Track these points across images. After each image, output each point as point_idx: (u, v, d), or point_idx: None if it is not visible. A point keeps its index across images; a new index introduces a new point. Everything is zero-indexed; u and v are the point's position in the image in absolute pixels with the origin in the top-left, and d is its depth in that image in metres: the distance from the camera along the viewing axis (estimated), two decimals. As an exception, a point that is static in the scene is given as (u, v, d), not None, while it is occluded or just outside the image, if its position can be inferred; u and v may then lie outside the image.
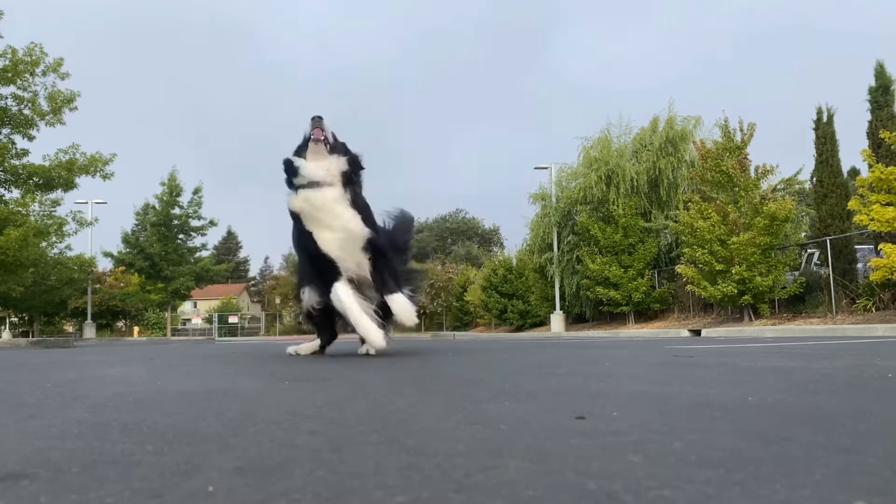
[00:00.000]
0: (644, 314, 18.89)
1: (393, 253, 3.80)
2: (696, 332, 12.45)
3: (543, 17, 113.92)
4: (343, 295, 3.47)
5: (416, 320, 3.81)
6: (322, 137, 3.58)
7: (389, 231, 4.07)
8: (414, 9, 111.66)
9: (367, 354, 3.89)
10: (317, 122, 3.60)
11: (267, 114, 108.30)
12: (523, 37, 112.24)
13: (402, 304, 3.54)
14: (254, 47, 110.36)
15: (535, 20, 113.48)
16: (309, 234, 3.58)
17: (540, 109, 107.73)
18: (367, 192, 3.78)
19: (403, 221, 4.35)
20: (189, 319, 52.98)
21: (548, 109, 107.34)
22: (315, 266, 3.72)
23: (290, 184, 3.64)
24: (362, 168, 3.72)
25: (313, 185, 3.53)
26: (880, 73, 14.66)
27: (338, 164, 3.57)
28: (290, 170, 3.60)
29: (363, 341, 3.94)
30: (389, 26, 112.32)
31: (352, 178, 3.59)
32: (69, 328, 35.32)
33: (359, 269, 3.63)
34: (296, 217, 3.65)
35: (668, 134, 19.41)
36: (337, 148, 3.64)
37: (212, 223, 26.63)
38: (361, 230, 3.51)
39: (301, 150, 3.70)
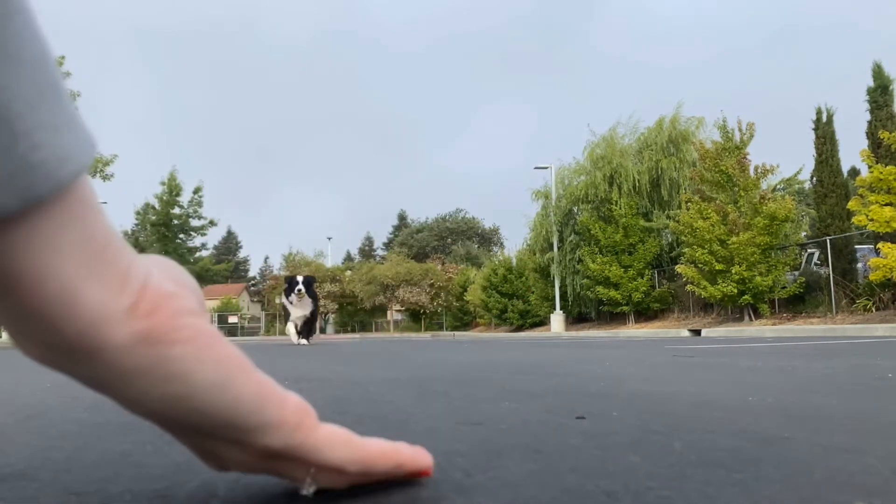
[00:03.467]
0: (644, 314, 18.89)
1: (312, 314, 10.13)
2: (696, 332, 12.45)
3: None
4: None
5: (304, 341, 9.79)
6: (301, 296, 9.84)
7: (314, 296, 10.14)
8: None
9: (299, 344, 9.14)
10: (298, 285, 9.83)
11: (267, 112, 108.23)
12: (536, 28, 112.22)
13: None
14: (254, 45, 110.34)
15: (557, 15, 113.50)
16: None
17: (542, 106, 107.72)
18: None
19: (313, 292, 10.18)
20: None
21: (550, 106, 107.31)
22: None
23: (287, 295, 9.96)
24: (314, 281, 10.42)
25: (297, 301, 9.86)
26: (878, 73, 14.68)
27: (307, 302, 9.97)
28: (289, 294, 9.95)
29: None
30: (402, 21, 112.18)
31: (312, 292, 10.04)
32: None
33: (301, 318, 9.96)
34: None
35: (671, 134, 19.41)
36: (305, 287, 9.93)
37: (212, 223, 26.66)
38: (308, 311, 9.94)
39: (290, 291, 9.96)
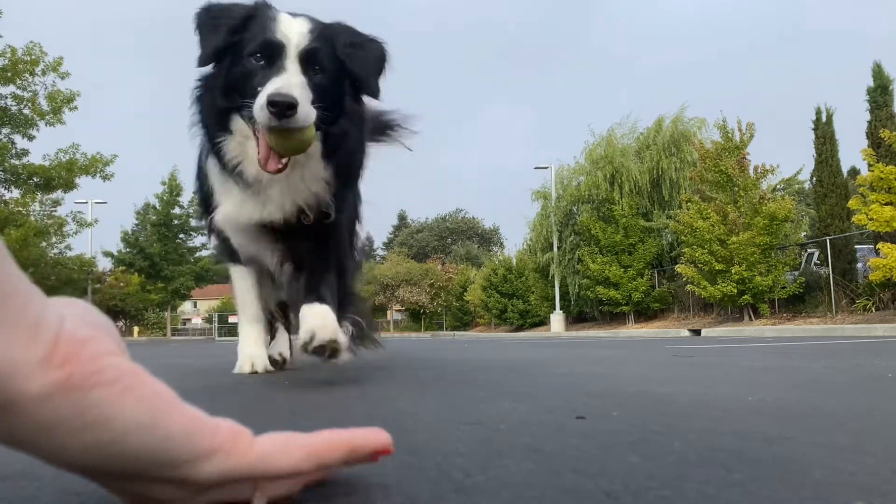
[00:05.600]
0: (644, 314, 18.88)
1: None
2: (696, 332, 12.45)
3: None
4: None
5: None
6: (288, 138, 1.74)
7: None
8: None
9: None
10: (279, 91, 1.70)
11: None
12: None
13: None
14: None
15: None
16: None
17: (543, 106, 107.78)
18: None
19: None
20: (189, 319, 52.88)
21: (551, 106, 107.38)
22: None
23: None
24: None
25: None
26: (878, 73, 14.67)
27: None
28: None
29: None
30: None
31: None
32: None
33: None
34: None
35: (672, 134, 19.41)
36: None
37: (212, 223, 26.55)
38: None
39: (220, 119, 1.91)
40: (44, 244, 17.77)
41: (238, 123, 1.85)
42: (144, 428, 0.43)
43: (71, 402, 0.40)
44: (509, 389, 1.66)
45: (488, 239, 60.88)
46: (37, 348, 0.40)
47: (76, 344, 0.42)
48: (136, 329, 34.37)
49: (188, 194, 26.00)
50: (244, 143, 1.85)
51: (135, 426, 0.42)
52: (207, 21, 1.90)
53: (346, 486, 0.64)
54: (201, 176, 2.14)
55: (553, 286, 21.02)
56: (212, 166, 1.98)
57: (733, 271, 13.51)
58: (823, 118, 15.45)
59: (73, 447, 0.42)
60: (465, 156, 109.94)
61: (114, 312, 31.63)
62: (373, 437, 0.55)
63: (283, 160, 1.74)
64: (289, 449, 0.51)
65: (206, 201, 2.18)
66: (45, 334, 0.41)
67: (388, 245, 65.07)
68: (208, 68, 1.92)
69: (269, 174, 1.75)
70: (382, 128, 2.71)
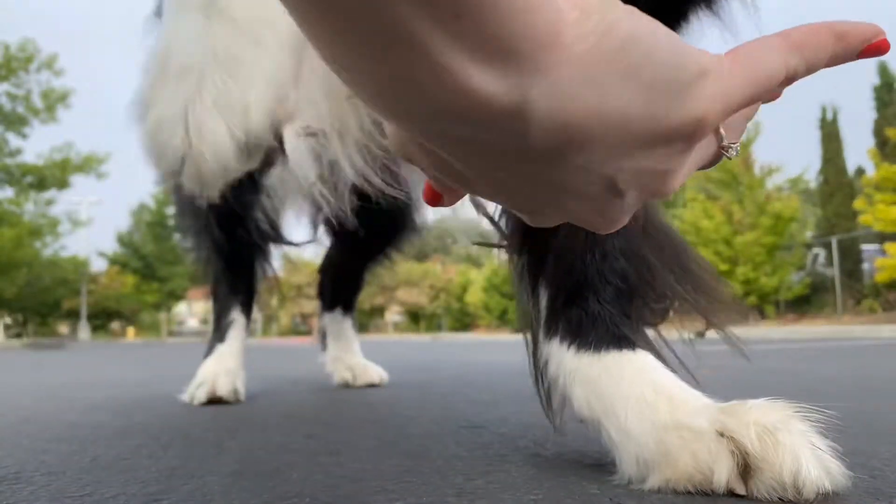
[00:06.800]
0: (648, 315, 18.85)
1: None
2: (701, 334, 12.43)
3: None
4: None
5: None
6: None
7: None
8: None
9: None
10: None
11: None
12: None
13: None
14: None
15: None
16: None
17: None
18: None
19: None
20: (183, 322, 52.71)
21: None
22: None
23: None
24: None
25: None
26: (883, 71, 14.64)
27: None
28: None
29: None
30: None
31: None
32: (63, 329, 34.57)
33: None
34: None
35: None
36: None
37: (209, 223, 26.60)
38: None
39: None
40: (38, 244, 17.78)
41: None
42: (658, 38, 0.35)
43: (595, 22, 0.33)
44: (511, 392, 1.65)
45: (489, 239, 60.87)
46: None
47: None
48: (130, 330, 33.86)
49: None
50: None
51: (652, 34, 0.35)
52: None
53: (346, 490, 0.63)
54: None
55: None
56: None
57: (738, 272, 13.48)
58: (829, 116, 15.41)
59: (610, 79, 0.34)
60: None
61: (108, 314, 31.47)
62: (861, 25, 0.43)
63: None
64: (769, 45, 0.40)
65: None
66: None
67: (391, 246, 65.20)
68: None
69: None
70: None
